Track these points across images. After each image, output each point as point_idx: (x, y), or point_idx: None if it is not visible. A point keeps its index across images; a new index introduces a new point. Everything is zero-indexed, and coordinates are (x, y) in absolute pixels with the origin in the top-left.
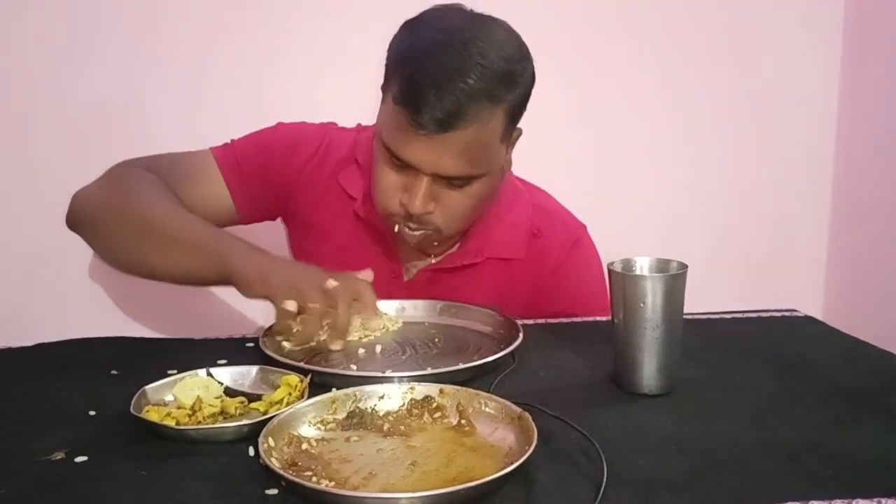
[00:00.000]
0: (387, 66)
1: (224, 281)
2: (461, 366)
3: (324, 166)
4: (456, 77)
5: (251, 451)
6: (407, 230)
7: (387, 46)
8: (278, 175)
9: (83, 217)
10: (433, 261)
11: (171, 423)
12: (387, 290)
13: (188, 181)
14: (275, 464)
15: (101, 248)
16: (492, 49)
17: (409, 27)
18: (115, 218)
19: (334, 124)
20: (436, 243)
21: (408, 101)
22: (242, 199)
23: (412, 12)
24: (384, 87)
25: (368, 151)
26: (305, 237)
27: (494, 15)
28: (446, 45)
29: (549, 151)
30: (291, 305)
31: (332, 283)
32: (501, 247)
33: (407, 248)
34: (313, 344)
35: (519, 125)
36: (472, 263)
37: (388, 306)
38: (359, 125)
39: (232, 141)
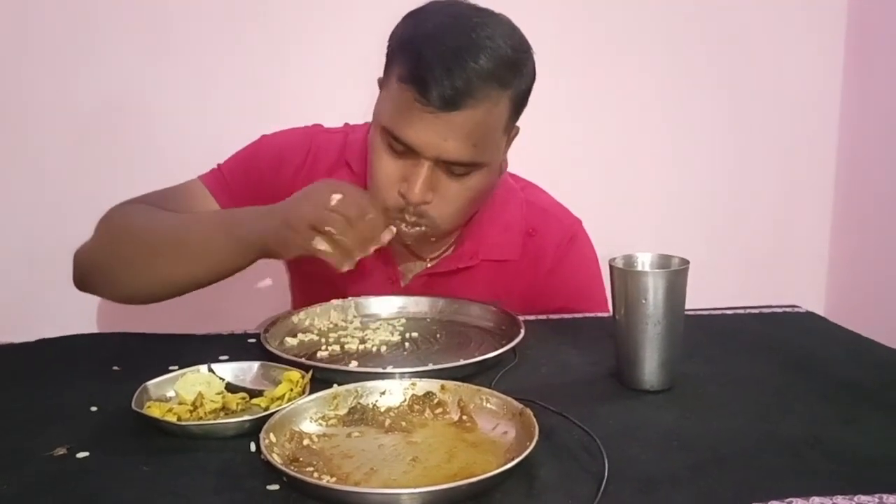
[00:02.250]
0: (388, 53)
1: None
2: (462, 362)
3: (314, 174)
4: (466, 56)
5: (252, 447)
6: (404, 227)
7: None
8: (269, 189)
9: (95, 267)
10: (429, 265)
11: (172, 418)
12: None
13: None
14: (276, 459)
15: (125, 287)
16: (499, 35)
17: (414, 15)
18: (133, 250)
19: (320, 126)
20: (433, 239)
21: (415, 78)
22: None
23: None
24: (385, 75)
25: (360, 153)
26: None
27: (497, 13)
28: (454, 28)
29: (551, 149)
30: (321, 244)
31: (335, 197)
32: (496, 249)
33: (403, 253)
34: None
35: (517, 123)
36: (467, 267)
37: (391, 302)
38: (346, 125)
39: (218, 165)
